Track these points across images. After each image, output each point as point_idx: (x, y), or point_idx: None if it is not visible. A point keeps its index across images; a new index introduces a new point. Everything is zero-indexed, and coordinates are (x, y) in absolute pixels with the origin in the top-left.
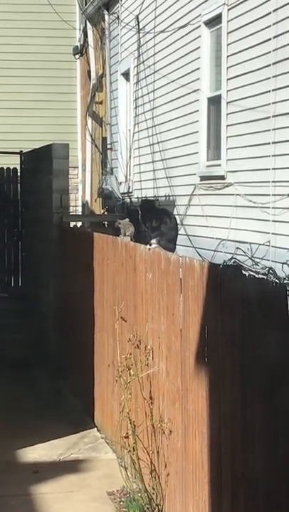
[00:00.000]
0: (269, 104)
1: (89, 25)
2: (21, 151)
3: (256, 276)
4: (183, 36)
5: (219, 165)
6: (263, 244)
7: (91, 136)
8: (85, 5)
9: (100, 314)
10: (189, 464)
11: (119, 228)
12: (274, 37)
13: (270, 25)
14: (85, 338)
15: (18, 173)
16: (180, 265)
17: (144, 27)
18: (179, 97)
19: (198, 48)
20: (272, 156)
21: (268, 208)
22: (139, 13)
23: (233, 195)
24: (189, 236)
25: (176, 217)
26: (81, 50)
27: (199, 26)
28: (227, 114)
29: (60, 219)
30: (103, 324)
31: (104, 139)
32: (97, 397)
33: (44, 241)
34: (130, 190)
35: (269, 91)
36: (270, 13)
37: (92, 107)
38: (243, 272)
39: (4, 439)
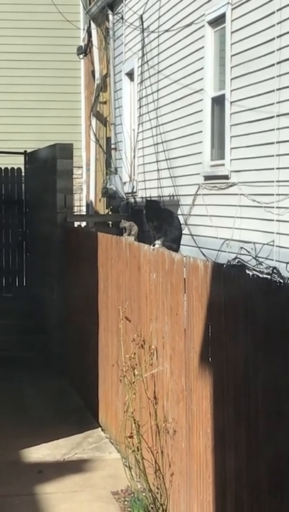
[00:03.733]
0: (273, 103)
1: (93, 25)
2: (25, 151)
3: (260, 275)
4: (187, 36)
5: (223, 165)
6: (267, 244)
7: (95, 136)
8: (89, 5)
9: (104, 314)
10: (193, 463)
11: (125, 228)
12: (278, 36)
13: (274, 25)
14: (89, 338)
15: (23, 173)
16: (184, 265)
17: (148, 27)
18: (183, 97)
19: (202, 47)
20: (277, 155)
21: (272, 207)
22: (143, 13)
23: (237, 194)
24: (193, 236)
25: (180, 217)
26: (85, 50)
27: (203, 26)
28: (231, 114)
29: (64, 219)
30: (107, 324)
31: (108, 139)
32: (102, 397)
33: (48, 241)
34: (134, 190)
35: (273, 90)
36: (274, 12)
37: (96, 106)
38: (247, 272)
39: (8, 439)
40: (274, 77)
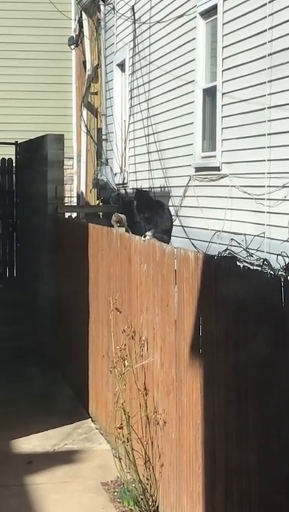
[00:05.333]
0: (264, 95)
1: (84, 16)
2: (16, 142)
3: (251, 267)
4: (178, 27)
5: (214, 156)
6: (257, 236)
7: (86, 127)
8: None
9: (95, 305)
10: (183, 454)
11: (119, 221)
12: (269, 28)
13: (265, 17)
14: (79, 329)
15: (14, 164)
16: (175, 256)
17: (139, 18)
18: (174, 88)
19: (194, 39)
20: (268, 147)
21: (263, 199)
22: (135, 4)
23: (228, 186)
24: (184, 227)
25: (171, 208)
26: (76, 41)
27: (195, 17)
28: (222, 106)
29: (55, 210)
30: (98, 315)
31: (99, 130)
32: (92, 387)
33: (39, 232)
34: (125, 181)
35: (264, 82)
36: (265, 4)
37: (87, 97)
38: (238, 264)
39: None
40: (265, 69)
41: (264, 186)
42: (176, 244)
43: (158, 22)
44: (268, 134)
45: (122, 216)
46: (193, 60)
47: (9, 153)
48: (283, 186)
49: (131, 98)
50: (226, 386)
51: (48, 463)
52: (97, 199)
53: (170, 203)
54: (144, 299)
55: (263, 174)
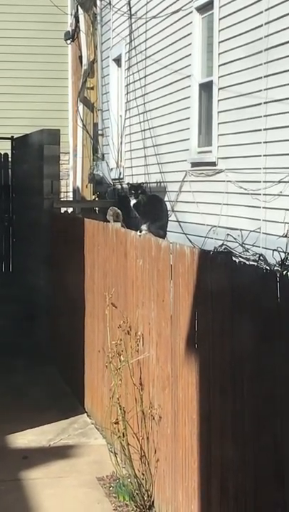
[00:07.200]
0: (261, 90)
1: (80, 11)
2: (12, 137)
3: (247, 262)
4: (175, 22)
5: (210, 151)
6: (253, 231)
7: (82, 121)
8: None
9: (91, 300)
10: (179, 449)
11: (116, 214)
12: (266, 23)
13: (261, 11)
14: (75, 324)
15: (9, 159)
16: (170, 251)
17: (135, 12)
18: (171, 83)
19: (190, 33)
20: (264, 142)
21: (259, 194)
22: None
23: (224, 181)
24: (180, 222)
25: (167, 203)
26: (73, 36)
27: (191, 12)
28: (218, 101)
29: (51, 205)
30: (94, 310)
31: (95, 125)
32: (88, 382)
33: (35, 227)
34: (121, 176)
35: (261, 77)
36: None
37: (83, 92)
38: (234, 259)
39: None
40: (262, 64)
41: (260, 181)
42: (172, 240)
43: (154, 17)
44: (264, 129)
45: (119, 211)
46: (190, 54)
47: (5, 147)
48: (279, 181)
49: (127, 93)
50: (221, 381)
51: (44, 458)
52: (93, 194)
53: (166, 198)
54: (140, 294)
55: (258, 169)
